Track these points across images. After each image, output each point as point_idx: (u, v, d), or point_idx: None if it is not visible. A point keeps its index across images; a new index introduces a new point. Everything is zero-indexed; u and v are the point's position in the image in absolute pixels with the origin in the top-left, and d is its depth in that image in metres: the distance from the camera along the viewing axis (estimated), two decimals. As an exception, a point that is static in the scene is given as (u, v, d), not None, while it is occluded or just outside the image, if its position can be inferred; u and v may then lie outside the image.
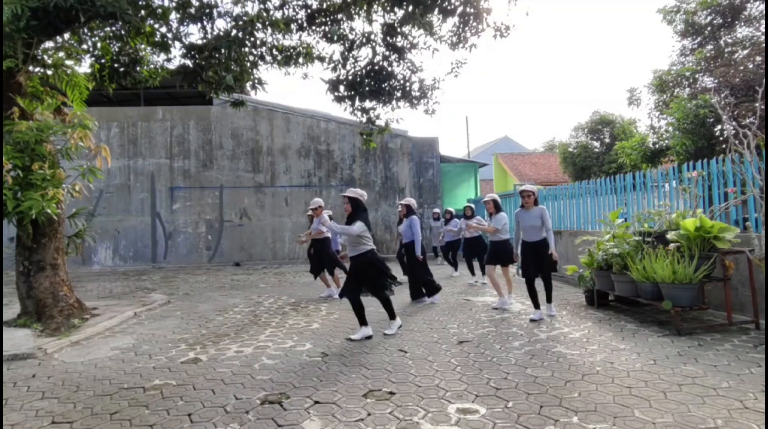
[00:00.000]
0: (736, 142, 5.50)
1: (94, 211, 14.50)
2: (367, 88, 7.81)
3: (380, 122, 8.50)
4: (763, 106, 9.35)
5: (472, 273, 9.44)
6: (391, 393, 3.51)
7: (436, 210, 13.09)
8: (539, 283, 6.07)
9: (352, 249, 5.25)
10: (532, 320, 5.81)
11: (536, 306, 6.00)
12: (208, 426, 3.04)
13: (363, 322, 5.21)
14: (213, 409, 3.30)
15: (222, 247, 15.21)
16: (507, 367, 4.03)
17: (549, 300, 6.09)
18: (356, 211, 5.23)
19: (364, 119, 8.42)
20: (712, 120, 12.36)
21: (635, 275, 5.52)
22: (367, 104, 8.22)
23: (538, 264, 5.94)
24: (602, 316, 5.96)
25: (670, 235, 5.41)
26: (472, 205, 9.83)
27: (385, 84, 7.84)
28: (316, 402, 3.37)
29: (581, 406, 3.17)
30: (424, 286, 7.35)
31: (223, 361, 4.44)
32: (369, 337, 5.15)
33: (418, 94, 8.00)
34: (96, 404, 3.46)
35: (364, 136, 9.02)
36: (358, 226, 5.09)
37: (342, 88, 7.94)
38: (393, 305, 5.47)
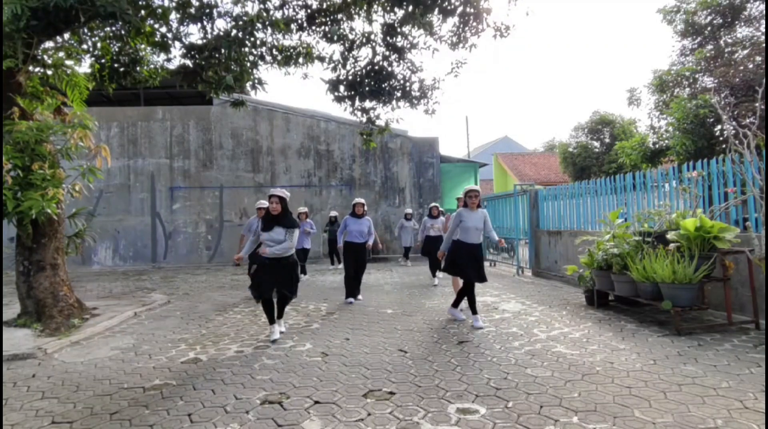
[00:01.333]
0: (736, 142, 5.50)
1: (94, 211, 14.48)
2: (367, 88, 7.81)
3: (380, 122, 8.50)
4: (763, 106, 9.35)
5: (433, 274, 9.64)
6: (391, 393, 3.51)
7: (408, 210, 13.21)
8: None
9: (272, 249, 5.15)
10: (459, 319, 5.88)
11: (456, 305, 6.03)
12: (208, 426, 3.04)
13: (273, 320, 5.25)
14: (213, 409, 3.31)
15: (222, 247, 15.21)
16: (507, 367, 4.03)
17: (474, 311, 5.74)
18: (285, 211, 5.20)
19: (364, 119, 8.42)
20: (712, 120, 12.37)
21: (635, 275, 5.52)
22: (367, 104, 8.22)
23: (470, 268, 5.70)
24: (602, 316, 5.96)
25: (670, 235, 5.41)
26: (438, 205, 10.19)
27: (385, 84, 7.84)
28: (316, 402, 3.37)
29: (581, 406, 3.18)
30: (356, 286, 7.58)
31: (223, 361, 4.44)
32: (276, 339, 5.17)
33: (418, 94, 8.00)
34: (96, 404, 3.46)
35: (364, 136, 9.02)
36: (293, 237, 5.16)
37: (342, 88, 7.93)
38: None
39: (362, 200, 7.78)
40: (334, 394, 3.51)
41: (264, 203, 7.61)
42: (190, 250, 15.14)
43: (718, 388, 3.42)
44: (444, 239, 5.90)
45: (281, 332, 5.36)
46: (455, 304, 6.04)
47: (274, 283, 5.14)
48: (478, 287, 8.74)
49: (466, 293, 5.80)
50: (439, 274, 9.90)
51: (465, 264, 5.73)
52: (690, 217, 5.40)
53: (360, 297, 7.63)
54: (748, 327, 5.09)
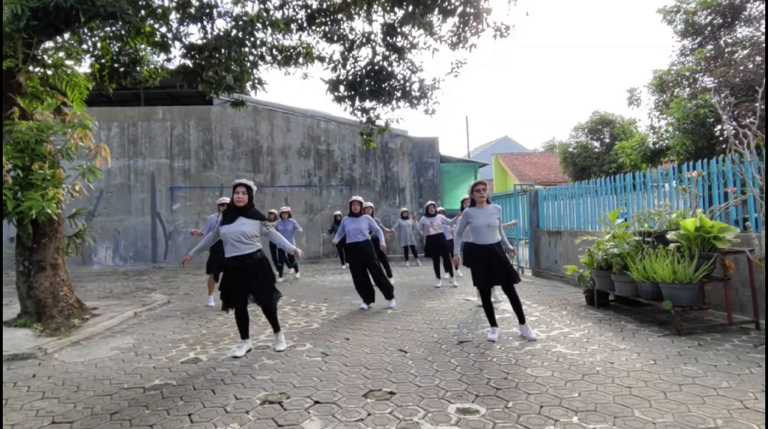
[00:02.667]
0: (736, 142, 5.50)
1: (94, 211, 14.50)
2: (367, 88, 7.81)
3: (380, 122, 8.50)
4: (763, 106, 9.35)
5: (438, 275, 9.14)
6: (391, 393, 3.51)
7: (404, 208, 13.04)
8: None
9: (237, 248, 4.47)
10: (490, 340, 4.88)
11: (493, 323, 5.07)
12: (208, 426, 3.04)
13: (245, 335, 4.69)
14: (213, 409, 3.30)
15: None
16: (507, 367, 4.03)
17: (522, 319, 4.99)
18: (251, 203, 4.59)
19: (364, 119, 8.42)
20: (712, 120, 12.37)
21: (635, 275, 5.52)
22: (367, 104, 8.22)
23: (493, 272, 4.89)
24: (602, 316, 5.96)
25: (670, 235, 5.41)
26: (434, 203, 9.90)
27: (385, 84, 7.84)
28: (316, 402, 3.37)
29: (581, 406, 3.17)
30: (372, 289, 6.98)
31: (223, 361, 4.44)
32: (249, 351, 4.66)
33: (418, 94, 8.00)
34: (96, 404, 3.46)
35: (364, 136, 9.02)
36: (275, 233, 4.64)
37: (342, 88, 7.94)
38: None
39: (359, 198, 7.16)
40: (334, 394, 3.50)
41: (227, 199, 6.99)
42: (191, 250, 15.13)
43: (718, 388, 3.42)
44: (454, 243, 5.16)
45: (278, 350, 4.62)
46: (492, 323, 5.03)
47: (244, 291, 4.47)
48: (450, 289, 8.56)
49: (515, 305, 4.94)
50: (445, 274, 9.88)
51: (483, 271, 4.91)
52: (690, 217, 5.40)
53: (392, 303, 6.88)
54: (749, 327, 5.09)
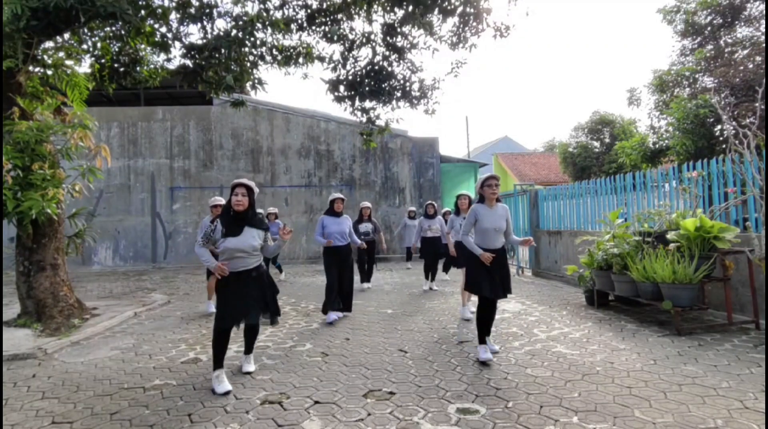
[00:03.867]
0: (736, 142, 5.50)
1: (94, 211, 14.49)
2: (367, 88, 7.81)
3: (380, 122, 8.50)
4: (763, 106, 9.35)
5: (427, 277, 8.76)
6: (391, 393, 3.51)
7: (412, 208, 12.51)
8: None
9: (244, 263, 3.84)
10: (482, 362, 4.18)
11: (483, 340, 4.37)
12: (208, 426, 3.04)
13: (221, 363, 3.82)
14: (213, 409, 3.31)
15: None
16: (507, 367, 4.03)
17: (488, 332, 4.42)
18: (253, 208, 3.94)
19: (364, 119, 8.42)
20: (712, 120, 12.36)
21: (635, 275, 5.52)
22: (367, 104, 8.22)
23: (496, 281, 4.28)
24: (602, 316, 5.96)
25: (670, 235, 5.41)
26: (434, 203, 9.38)
27: (385, 84, 7.84)
28: (316, 402, 3.37)
29: (581, 406, 3.17)
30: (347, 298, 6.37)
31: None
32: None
33: (418, 94, 8.00)
34: (96, 404, 3.46)
35: (364, 136, 9.02)
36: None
37: (342, 88, 7.94)
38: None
39: (341, 196, 6.42)
40: (334, 394, 3.50)
41: (220, 200, 6.39)
42: (191, 251, 15.12)
43: (718, 388, 3.42)
44: (464, 243, 4.47)
45: (248, 372, 4.03)
46: (481, 339, 4.34)
47: (246, 307, 3.83)
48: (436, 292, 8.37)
49: (484, 314, 4.32)
50: (445, 276, 9.83)
51: (483, 276, 4.27)
52: (690, 217, 5.40)
53: (339, 315, 6.26)
54: (749, 327, 5.09)
